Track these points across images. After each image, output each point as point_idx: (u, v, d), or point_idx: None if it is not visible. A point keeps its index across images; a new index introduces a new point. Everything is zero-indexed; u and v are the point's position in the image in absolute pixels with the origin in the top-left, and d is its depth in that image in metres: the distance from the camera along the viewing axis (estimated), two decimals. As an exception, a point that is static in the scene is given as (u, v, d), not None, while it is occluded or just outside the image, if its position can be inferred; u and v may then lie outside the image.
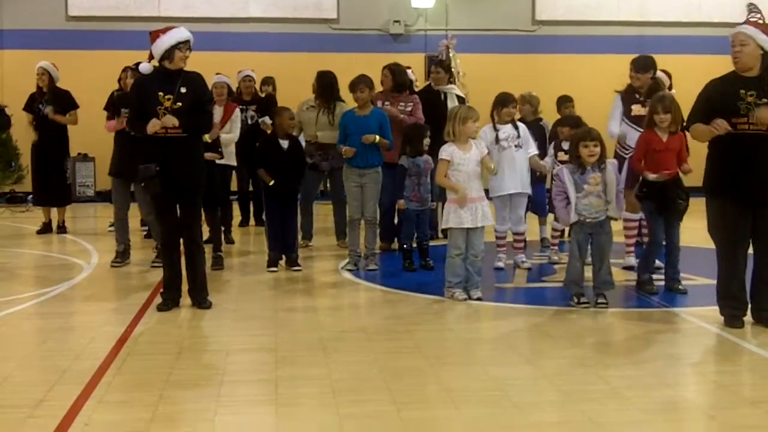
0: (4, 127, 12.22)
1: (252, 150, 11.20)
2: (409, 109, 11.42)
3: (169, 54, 8.10)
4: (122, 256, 10.60)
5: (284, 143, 10.32)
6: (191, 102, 8.16)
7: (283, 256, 10.39)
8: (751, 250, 7.60)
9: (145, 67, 8.19)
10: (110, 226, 13.18)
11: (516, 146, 10.13)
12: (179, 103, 8.07)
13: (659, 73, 10.98)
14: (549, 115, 12.36)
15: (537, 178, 10.87)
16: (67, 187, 13.80)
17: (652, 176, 8.71)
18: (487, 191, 9.67)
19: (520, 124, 10.39)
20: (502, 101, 10.23)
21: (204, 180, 8.46)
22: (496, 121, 10.19)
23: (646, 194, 8.87)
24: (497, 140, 10.03)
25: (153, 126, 7.98)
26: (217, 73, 11.47)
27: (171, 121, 7.99)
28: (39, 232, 13.28)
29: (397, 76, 11.54)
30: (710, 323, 7.68)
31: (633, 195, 9.22)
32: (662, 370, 6.49)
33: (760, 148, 7.24)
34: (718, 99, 7.38)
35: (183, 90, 8.11)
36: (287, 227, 10.37)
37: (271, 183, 10.20)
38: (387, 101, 11.42)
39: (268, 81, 14.26)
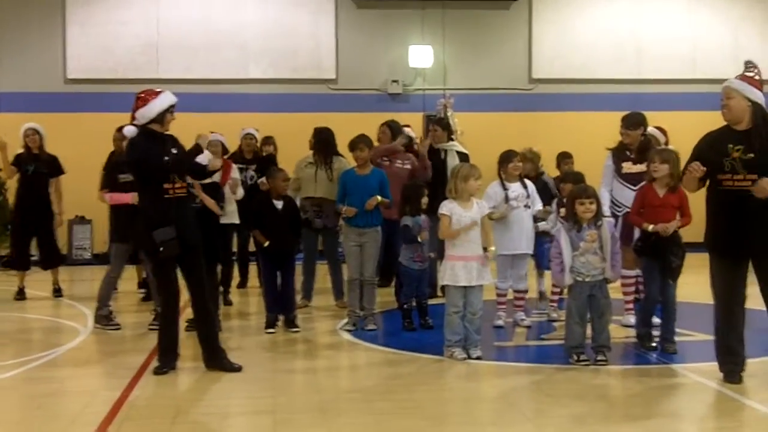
0: None
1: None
2: (408, 165, 11.47)
3: (161, 117, 8.14)
4: (107, 318, 10.51)
5: (279, 204, 10.30)
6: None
7: (281, 317, 10.33)
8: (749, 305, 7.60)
9: (130, 131, 8.20)
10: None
11: (525, 206, 10.15)
12: None
13: (654, 130, 11.03)
14: (549, 172, 12.35)
15: (539, 233, 10.74)
16: (56, 248, 13.51)
17: (650, 227, 8.66)
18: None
19: (529, 183, 10.40)
20: (507, 157, 10.23)
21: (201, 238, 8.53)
22: (504, 179, 10.19)
23: (641, 248, 8.85)
24: (507, 199, 10.05)
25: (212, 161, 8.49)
26: (212, 132, 11.42)
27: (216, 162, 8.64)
28: (17, 299, 12.95)
29: (395, 132, 11.58)
30: (710, 379, 7.63)
31: (630, 251, 9.22)
32: (663, 428, 6.47)
33: (746, 203, 7.26)
34: (706, 153, 7.47)
35: (174, 151, 8.18)
36: (285, 288, 10.34)
37: (266, 244, 10.18)
38: (385, 158, 11.47)
39: (269, 141, 14.19)
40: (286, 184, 10.51)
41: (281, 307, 10.31)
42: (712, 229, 7.59)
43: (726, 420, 6.78)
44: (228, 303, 11.95)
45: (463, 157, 11.85)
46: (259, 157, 13.49)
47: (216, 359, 8.30)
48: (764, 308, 7.52)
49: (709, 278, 7.65)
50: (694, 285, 9.15)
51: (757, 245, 7.32)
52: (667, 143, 11.23)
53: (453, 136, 12.56)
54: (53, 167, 13.06)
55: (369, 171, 10.44)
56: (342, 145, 11.39)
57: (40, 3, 18.30)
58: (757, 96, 7.38)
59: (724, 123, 7.55)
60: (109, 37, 18.33)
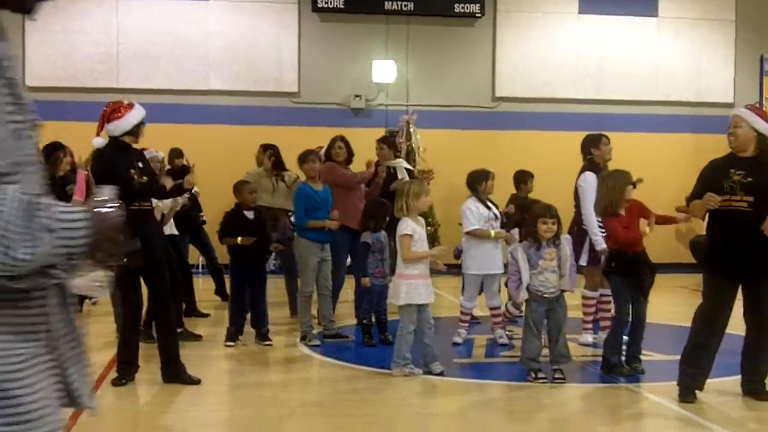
0: None
1: (195, 223, 12.12)
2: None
3: (136, 130, 8.11)
4: None
5: (249, 214, 10.28)
6: (149, 174, 8.28)
7: (254, 330, 10.27)
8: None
9: (99, 141, 8.17)
10: None
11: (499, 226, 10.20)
12: (144, 177, 8.11)
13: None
14: (507, 191, 12.26)
15: None
16: None
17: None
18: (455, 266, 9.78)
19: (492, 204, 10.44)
20: (485, 175, 10.21)
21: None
22: (483, 198, 10.18)
23: (615, 269, 8.68)
24: (496, 218, 10.14)
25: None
26: (147, 149, 11.11)
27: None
28: None
29: (349, 147, 11.66)
30: (667, 399, 7.66)
31: (597, 272, 9.26)
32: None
33: (743, 224, 7.33)
34: (709, 177, 7.56)
35: (140, 165, 8.16)
36: (256, 301, 10.26)
37: (252, 241, 10.02)
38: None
39: (179, 153, 13.48)
40: (254, 196, 10.45)
41: (253, 320, 10.25)
42: (709, 248, 7.73)
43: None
44: (202, 315, 12.06)
45: (410, 174, 11.93)
46: (173, 172, 12.96)
47: (175, 372, 8.24)
48: (733, 331, 7.62)
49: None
50: (653, 305, 9.18)
51: (750, 266, 7.40)
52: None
53: (398, 154, 12.63)
54: None
55: (321, 185, 10.46)
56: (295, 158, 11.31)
57: None
58: (763, 127, 7.47)
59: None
60: (69, 45, 18.16)
